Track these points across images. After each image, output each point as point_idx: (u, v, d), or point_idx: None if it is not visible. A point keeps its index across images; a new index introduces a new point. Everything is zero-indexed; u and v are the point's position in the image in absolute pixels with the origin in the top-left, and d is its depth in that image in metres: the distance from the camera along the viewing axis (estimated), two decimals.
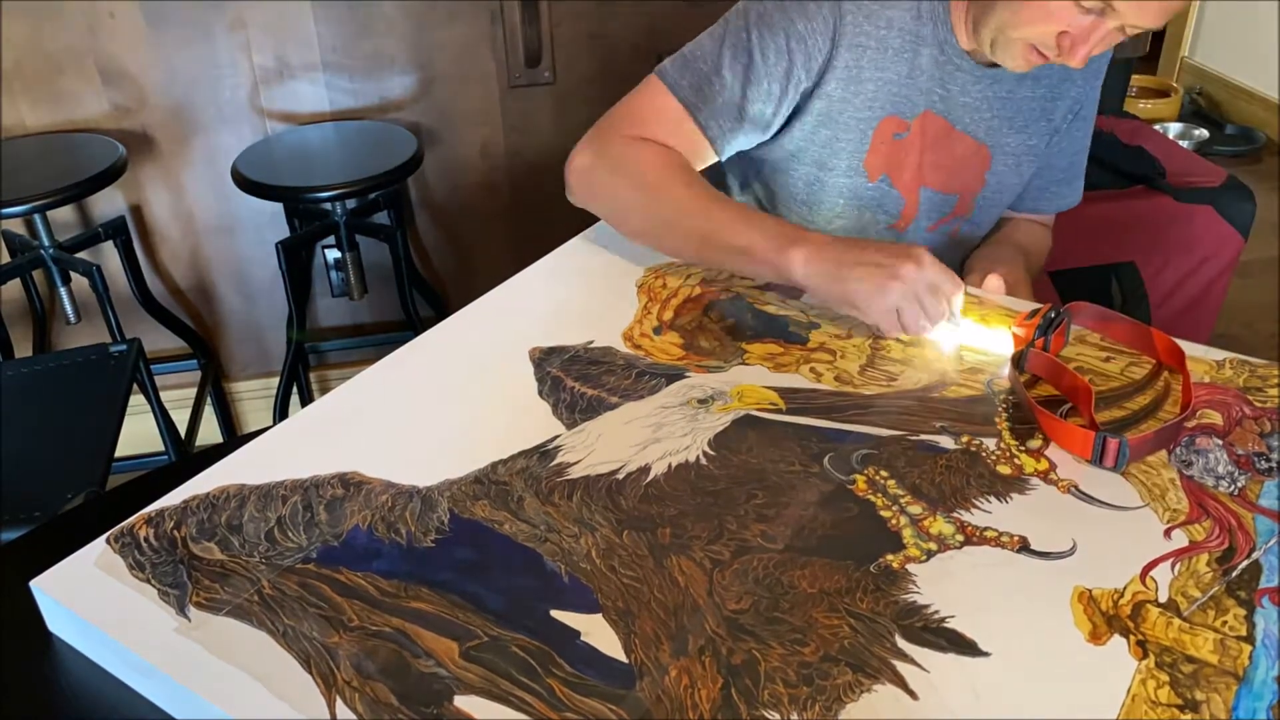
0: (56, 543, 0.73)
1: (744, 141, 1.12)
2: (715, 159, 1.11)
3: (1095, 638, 0.65)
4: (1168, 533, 0.74)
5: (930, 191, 1.17)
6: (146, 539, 0.74)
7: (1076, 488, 0.78)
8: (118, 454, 1.41)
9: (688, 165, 1.06)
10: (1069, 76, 1.16)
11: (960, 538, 0.73)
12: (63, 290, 1.89)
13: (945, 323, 0.94)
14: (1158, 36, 3.40)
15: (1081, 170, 1.28)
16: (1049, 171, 1.25)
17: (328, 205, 1.90)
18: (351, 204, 1.93)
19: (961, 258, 1.23)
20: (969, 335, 0.97)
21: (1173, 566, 0.71)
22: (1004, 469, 0.80)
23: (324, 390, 2.22)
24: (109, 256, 1.93)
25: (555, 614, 0.67)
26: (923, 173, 1.15)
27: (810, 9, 1.05)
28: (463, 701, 0.61)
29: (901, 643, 0.65)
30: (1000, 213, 1.27)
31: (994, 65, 1.09)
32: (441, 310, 2.12)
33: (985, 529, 0.74)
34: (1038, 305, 0.93)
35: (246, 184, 1.77)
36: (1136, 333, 0.95)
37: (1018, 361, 0.91)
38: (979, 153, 1.17)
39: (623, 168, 1.05)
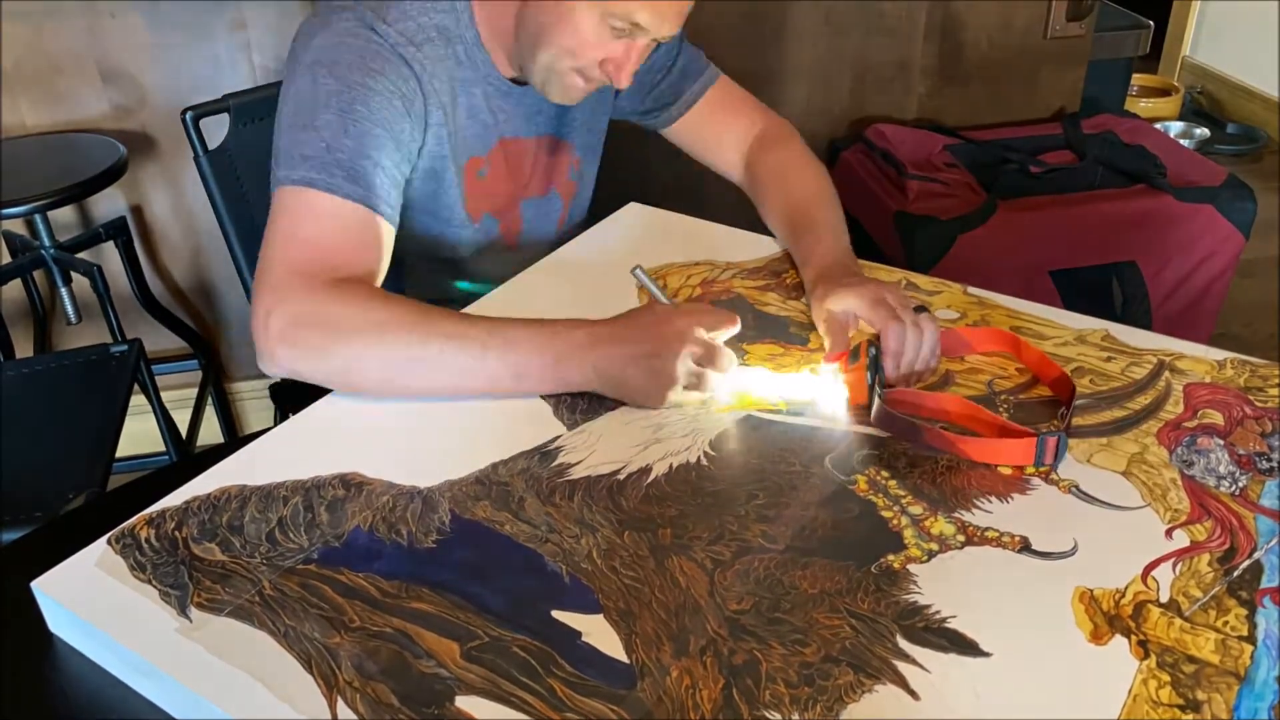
0: (57, 543, 0.73)
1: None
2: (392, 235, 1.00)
3: (1096, 638, 0.65)
4: (1169, 533, 0.74)
5: (530, 201, 1.20)
6: (147, 540, 0.74)
7: (1077, 488, 0.78)
8: (118, 454, 1.41)
9: (405, 299, 0.90)
10: None
11: (961, 538, 0.73)
12: (63, 290, 1.89)
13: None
14: (1158, 35, 3.40)
15: (685, 63, 1.24)
16: (663, 73, 1.23)
17: None
18: None
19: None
20: (765, 384, 0.92)
21: (1174, 566, 0.71)
22: (1004, 469, 0.80)
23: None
24: (110, 256, 1.93)
25: (556, 614, 0.67)
26: (518, 191, 1.17)
27: (397, 69, 0.99)
28: (464, 702, 0.61)
29: (903, 643, 0.65)
30: (598, 154, 1.28)
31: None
32: None
33: (986, 529, 0.74)
34: (853, 346, 0.89)
35: None
36: (991, 336, 0.97)
37: (877, 415, 0.85)
38: (556, 144, 1.19)
39: (337, 315, 0.87)
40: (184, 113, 1.27)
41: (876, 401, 0.85)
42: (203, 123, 1.28)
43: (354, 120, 0.95)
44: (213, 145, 1.29)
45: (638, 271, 0.97)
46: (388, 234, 0.97)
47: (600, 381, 0.88)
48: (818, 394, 0.90)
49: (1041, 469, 0.80)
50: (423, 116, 1.03)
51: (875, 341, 0.89)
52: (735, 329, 0.91)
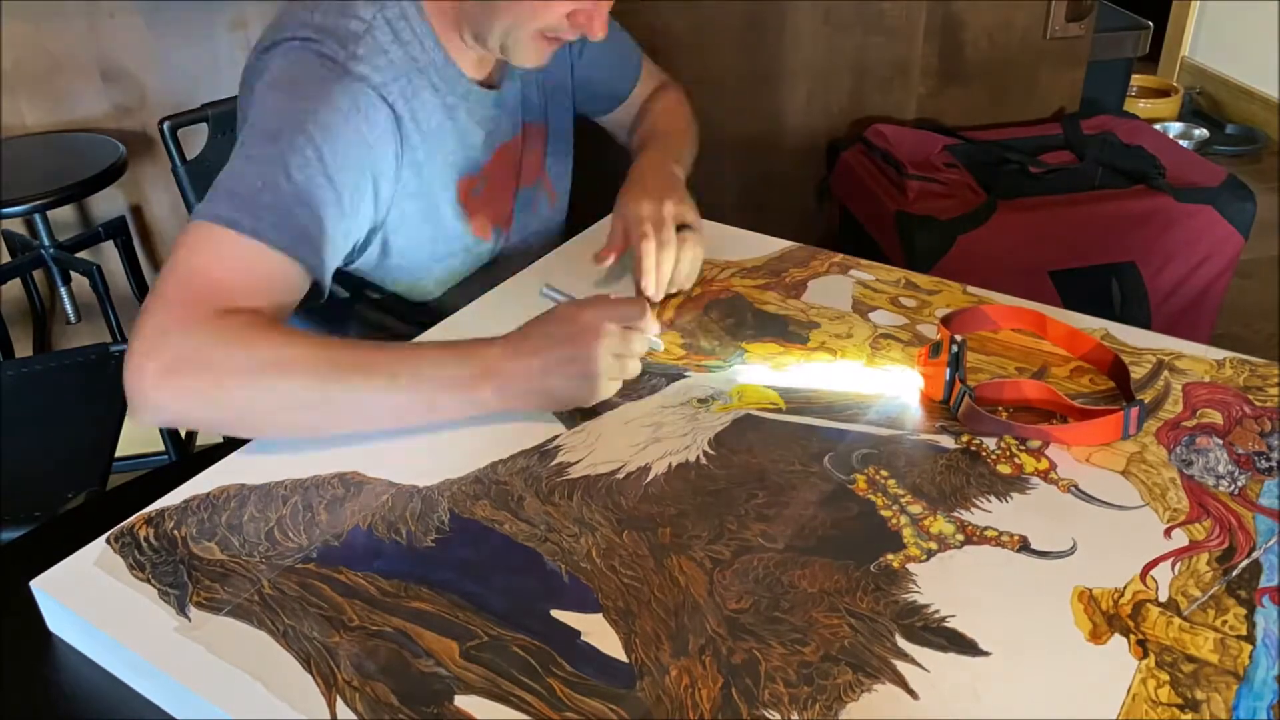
0: (56, 543, 0.73)
1: (339, 262, 0.97)
2: (320, 295, 0.94)
3: (1095, 637, 0.65)
4: (1168, 532, 0.74)
5: (521, 190, 1.19)
6: (147, 539, 0.74)
7: (1076, 487, 0.78)
8: (118, 454, 1.41)
9: (301, 332, 0.84)
10: None
11: (960, 537, 0.73)
12: (63, 290, 1.89)
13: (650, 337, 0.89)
14: (1158, 36, 3.41)
15: (625, 49, 1.31)
16: (599, 77, 1.29)
17: None
18: None
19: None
20: (835, 375, 0.93)
21: (1173, 566, 0.71)
22: (1004, 468, 0.80)
23: None
24: (109, 256, 1.93)
25: (556, 614, 0.67)
26: (514, 189, 1.17)
27: (372, 115, 0.94)
28: (463, 701, 0.61)
29: (902, 642, 0.65)
30: (569, 121, 1.28)
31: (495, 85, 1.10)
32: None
33: (985, 528, 0.74)
34: (936, 340, 0.88)
35: None
36: (1015, 314, 0.99)
37: (965, 414, 0.85)
38: (536, 128, 1.20)
39: (223, 356, 0.78)
40: (161, 122, 1.25)
41: (966, 400, 0.84)
42: (181, 132, 1.26)
43: (301, 165, 0.87)
44: (191, 155, 1.27)
45: (546, 291, 0.98)
46: (301, 284, 0.89)
47: (522, 399, 0.84)
48: (891, 384, 0.91)
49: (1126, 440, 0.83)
50: (397, 158, 0.98)
51: (957, 338, 0.88)
52: (651, 327, 0.88)
